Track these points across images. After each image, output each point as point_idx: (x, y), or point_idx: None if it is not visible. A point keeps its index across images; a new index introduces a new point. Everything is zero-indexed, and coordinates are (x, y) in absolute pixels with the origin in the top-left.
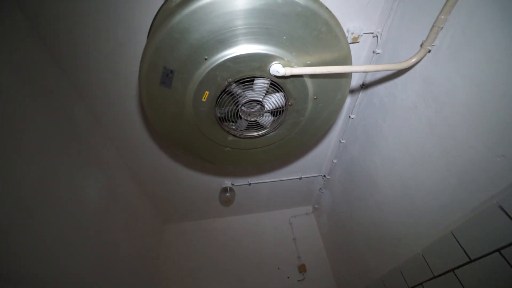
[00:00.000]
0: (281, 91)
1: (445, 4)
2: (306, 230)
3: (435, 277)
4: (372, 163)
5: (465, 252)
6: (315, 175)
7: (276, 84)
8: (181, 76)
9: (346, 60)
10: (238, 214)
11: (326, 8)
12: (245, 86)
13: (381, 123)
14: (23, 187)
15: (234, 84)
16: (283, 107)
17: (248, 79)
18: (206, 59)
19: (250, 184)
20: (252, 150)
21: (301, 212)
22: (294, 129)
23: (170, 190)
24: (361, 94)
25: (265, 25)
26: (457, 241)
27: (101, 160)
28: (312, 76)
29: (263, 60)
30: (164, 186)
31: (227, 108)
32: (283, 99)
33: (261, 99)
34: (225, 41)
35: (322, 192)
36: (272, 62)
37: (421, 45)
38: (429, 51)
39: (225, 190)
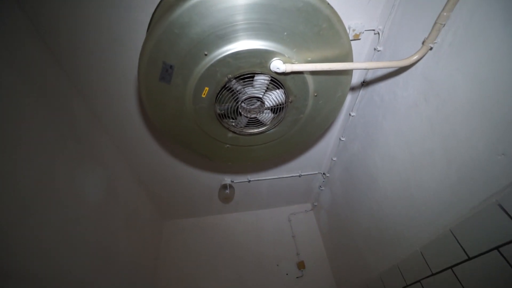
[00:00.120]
0: (281, 88)
1: (447, 1)
2: (305, 228)
3: (433, 274)
4: (372, 161)
5: (463, 250)
6: (314, 172)
7: (277, 81)
8: (180, 72)
9: (347, 57)
10: (237, 211)
11: (328, 4)
12: (245, 83)
13: (382, 121)
14: (23, 186)
15: (234, 80)
16: (283, 104)
17: (248, 76)
18: (206, 55)
19: (249, 181)
20: (251, 147)
21: (300, 209)
22: (294, 126)
23: (169, 187)
24: (362, 92)
25: (265, 20)
26: (456, 239)
27: (100, 157)
28: (313, 73)
29: (264, 56)
30: (163, 183)
31: (227, 104)
32: (283, 96)
33: (261, 96)
34: (225, 36)
35: (321, 189)
36: (272, 58)
37: (423, 43)
38: (431, 49)
39: (224, 187)
